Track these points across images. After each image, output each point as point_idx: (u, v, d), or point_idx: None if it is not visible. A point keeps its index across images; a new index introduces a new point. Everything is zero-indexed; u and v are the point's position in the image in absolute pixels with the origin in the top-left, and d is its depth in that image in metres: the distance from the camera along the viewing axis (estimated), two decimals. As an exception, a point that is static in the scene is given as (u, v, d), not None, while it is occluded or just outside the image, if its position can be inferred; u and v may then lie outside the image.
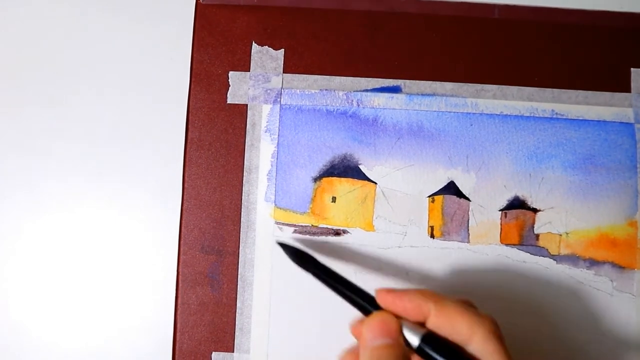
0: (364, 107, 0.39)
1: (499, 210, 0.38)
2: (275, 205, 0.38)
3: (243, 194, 0.38)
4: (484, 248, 0.38)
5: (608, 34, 0.39)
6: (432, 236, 0.38)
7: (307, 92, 0.39)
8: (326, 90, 0.39)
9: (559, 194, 0.38)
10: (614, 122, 0.39)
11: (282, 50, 0.39)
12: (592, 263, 0.38)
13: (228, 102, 0.39)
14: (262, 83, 0.39)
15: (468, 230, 0.38)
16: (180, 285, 0.38)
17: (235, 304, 0.38)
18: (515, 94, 0.39)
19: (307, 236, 0.38)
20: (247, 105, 0.39)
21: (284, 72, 0.39)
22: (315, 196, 0.38)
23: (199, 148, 0.39)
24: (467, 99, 0.39)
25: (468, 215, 0.38)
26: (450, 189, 0.38)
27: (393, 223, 0.38)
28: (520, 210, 0.38)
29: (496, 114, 0.39)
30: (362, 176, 0.38)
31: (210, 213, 0.38)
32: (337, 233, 0.38)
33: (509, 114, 0.39)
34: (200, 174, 0.39)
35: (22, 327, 0.38)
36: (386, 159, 0.38)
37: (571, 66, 0.39)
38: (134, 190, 0.39)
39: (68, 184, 0.39)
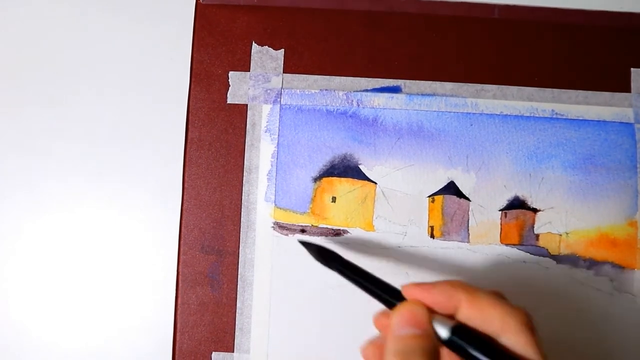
0: (364, 107, 0.39)
1: (499, 210, 0.38)
2: (275, 205, 0.38)
3: (243, 194, 0.38)
4: (484, 248, 0.38)
5: (608, 34, 0.39)
6: (432, 236, 0.38)
7: (307, 92, 0.39)
8: (326, 90, 0.39)
9: (559, 194, 0.38)
10: (614, 122, 0.39)
11: (282, 50, 0.39)
12: (592, 263, 0.38)
13: (228, 102, 0.39)
14: (262, 83, 0.39)
15: (468, 230, 0.38)
16: (180, 285, 0.38)
17: (235, 304, 0.38)
18: (515, 94, 0.39)
19: (307, 236, 0.38)
20: (247, 105, 0.39)
21: (284, 72, 0.39)
22: (315, 196, 0.38)
23: (199, 148, 0.39)
24: (467, 99, 0.39)
25: (468, 215, 0.38)
26: (450, 189, 0.38)
27: (393, 223, 0.38)
28: (520, 210, 0.38)
29: (496, 114, 0.39)
30: (362, 176, 0.38)
31: (210, 213, 0.38)
32: (337, 233, 0.38)
33: (509, 114, 0.39)
34: (200, 174, 0.39)
35: (22, 327, 0.38)
36: (386, 159, 0.38)
37: (571, 66, 0.39)
38: (134, 190, 0.39)
39: (68, 184, 0.39)
